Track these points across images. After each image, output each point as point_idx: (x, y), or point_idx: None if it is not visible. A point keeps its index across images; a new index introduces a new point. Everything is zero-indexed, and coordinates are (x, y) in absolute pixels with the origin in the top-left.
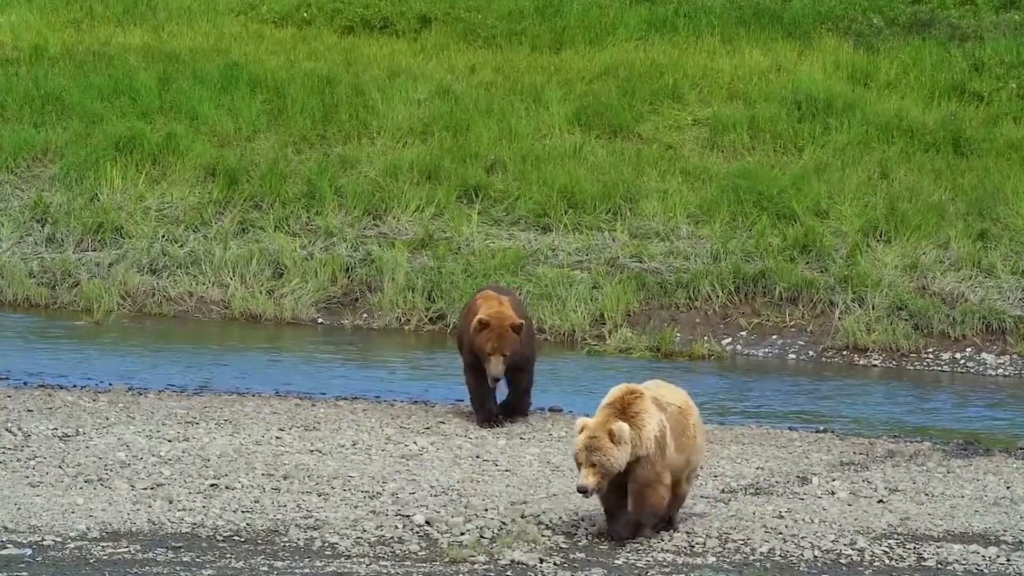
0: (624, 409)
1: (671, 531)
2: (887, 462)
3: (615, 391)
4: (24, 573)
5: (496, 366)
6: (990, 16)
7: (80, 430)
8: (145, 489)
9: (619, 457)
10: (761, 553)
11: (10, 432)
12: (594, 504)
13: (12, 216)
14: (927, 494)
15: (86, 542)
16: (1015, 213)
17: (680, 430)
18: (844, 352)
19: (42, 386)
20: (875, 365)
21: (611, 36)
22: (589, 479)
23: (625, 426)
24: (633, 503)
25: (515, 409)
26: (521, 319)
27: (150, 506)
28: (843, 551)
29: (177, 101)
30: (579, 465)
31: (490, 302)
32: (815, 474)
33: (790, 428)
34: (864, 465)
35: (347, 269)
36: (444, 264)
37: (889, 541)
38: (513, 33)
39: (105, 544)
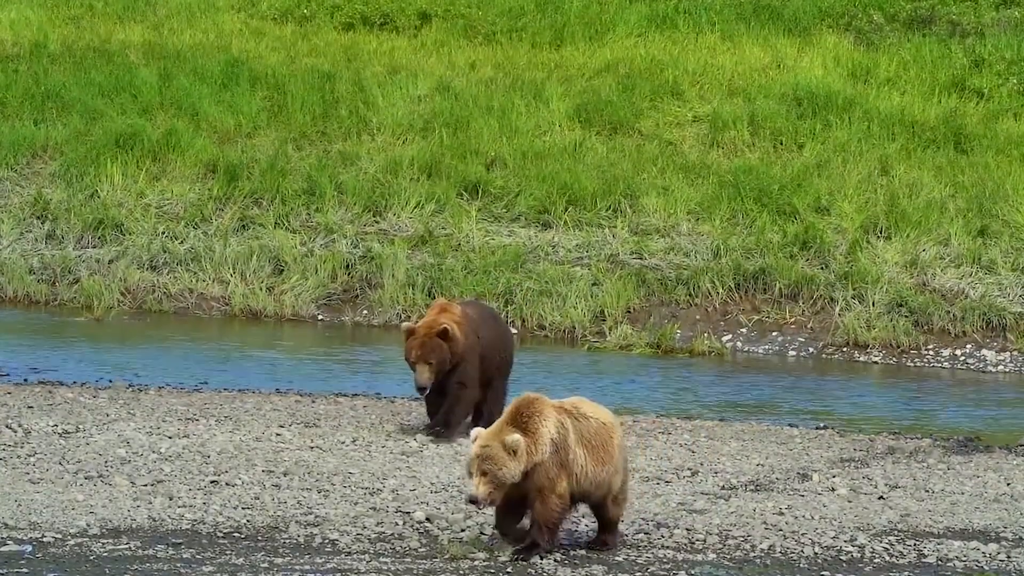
0: (519, 418)
1: (609, 551)
2: (887, 459)
3: (514, 400)
4: (24, 570)
5: (421, 374)
6: (990, 12)
7: (80, 427)
8: (145, 486)
9: (512, 468)
10: (761, 550)
11: (10, 429)
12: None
13: (12, 213)
14: (927, 491)
15: (86, 539)
16: (1015, 209)
17: (600, 443)
18: (844, 349)
19: (42, 383)
20: (875, 362)
21: (611, 33)
22: (480, 489)
23: (519, 437)
24: (531, 515)
25: (441, 421)
26: (463, 326)
27: (150, 503)
28: (843, 548)
29: (177, 98)
30: (470, 475)
31: (431, 311)
32: (815, 471)
33: (790, 425)
34: (864, 462)
35: (347, 266)
36: (444, 261)
37: (889, 538)
38: (513, 29)
39: (105, 541)
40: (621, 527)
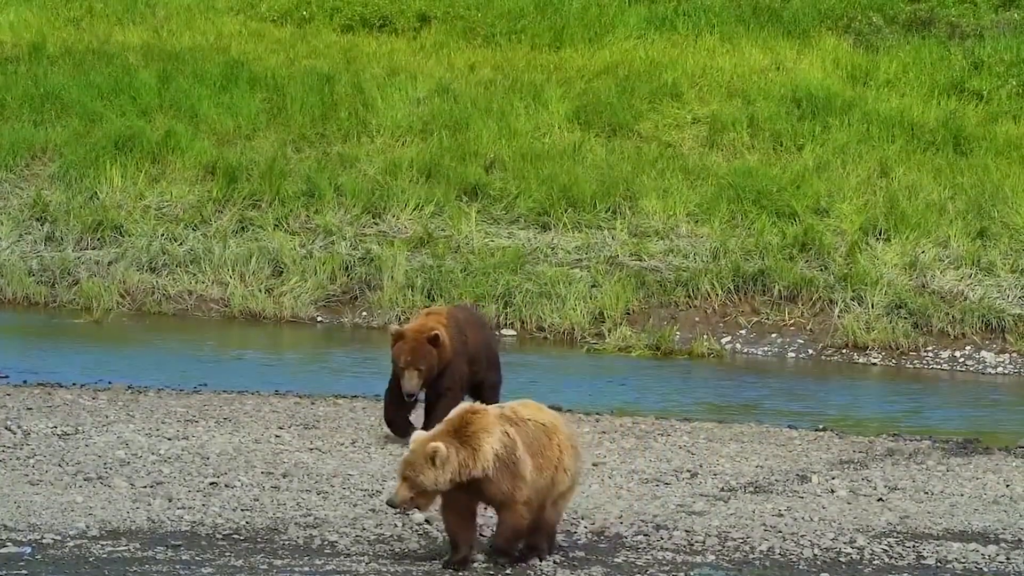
0: (460, 428)
1: (543, 558)
2: (886, 460)
3: (457, 410)
4: (24, 571)
5: (410, 380)
6: (989, 15)
7: (79, 428)
8: (144, 487)
9: (432, 477)
10: (760, 551)
11: (9, 430)
12: (594, 503)
13: (11, 215)
14: (926, 492)
15: (85, 540)
16: (1014, 211)
17: (539, 448)
18: (843, 350)
19: (41, 384)
20: (874, 363)
21: (610, 34)
22: (398, 493)
23: (441, 446)
24: (496, 526)
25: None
26: (450, 329)
27: (149, 504)
28: (842, 549)
29: (177, 99)
30: (397, 477)
31: (419, 316)
32: (815, 472)
33: (789, 426)
34: (863, 463)
35: (346, 267)
36: (443, 262)
37: (888, 539)
38: (512, 31)
39: (104, 542)
40: (620, 528)
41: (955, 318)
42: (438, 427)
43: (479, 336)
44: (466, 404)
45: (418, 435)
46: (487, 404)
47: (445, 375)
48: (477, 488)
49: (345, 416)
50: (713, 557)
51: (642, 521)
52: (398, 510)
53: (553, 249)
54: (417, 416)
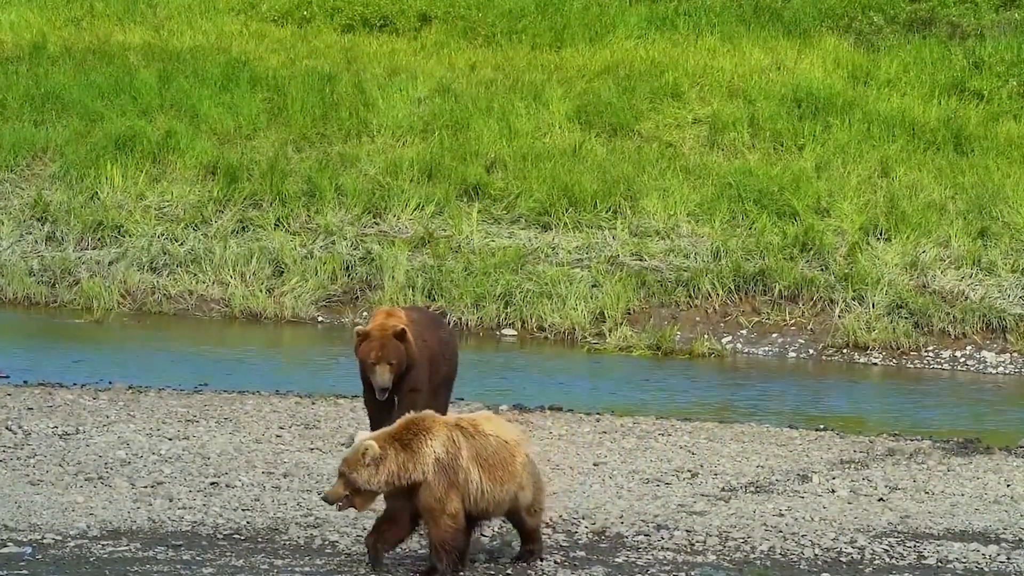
0: (405, 432)
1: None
2: (887, 460)
3: (404, 416)
4: (24, 571)
5: (382, 375)
6: (990, 14)
7: (80, 428)
8: (145, 487)
9: (366, 476)
10: (761, 551)
11: (10, 430)
12: (595, 503)
13: (12, 214)
14: (927, 492)
15: (86, 540)
16: (1015, 211)
17: (500, 462)
18: (844, 350)
19: (42, 384)
20: (875, 363)
21: (611, 34)
22: (333, 490)
23: (374, 445)
24: (428, 538)
25: None
26: (410, 330)
27: (150, 504)
28: (843, 549)
29: (177, 99)
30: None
31: (378, 317)
32: (815, 472)
33: (790, 426)
34: (864, 463)
35: (347, 267)
36: (444, 262)
37: (889, 539)
38: (513, 31)
39: (105, 542)
40: (621, 528)
41: (956, 318)
42: (384, 429)
43: (436, 336)
44: (415, 412)
45: (361, 435)
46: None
47: (409, 376)
48: (415, 496)
49: (346, 416)
50: (714, 557)
51: (643, 521)
52: (335, 507)
53: (554, 249)
54: None
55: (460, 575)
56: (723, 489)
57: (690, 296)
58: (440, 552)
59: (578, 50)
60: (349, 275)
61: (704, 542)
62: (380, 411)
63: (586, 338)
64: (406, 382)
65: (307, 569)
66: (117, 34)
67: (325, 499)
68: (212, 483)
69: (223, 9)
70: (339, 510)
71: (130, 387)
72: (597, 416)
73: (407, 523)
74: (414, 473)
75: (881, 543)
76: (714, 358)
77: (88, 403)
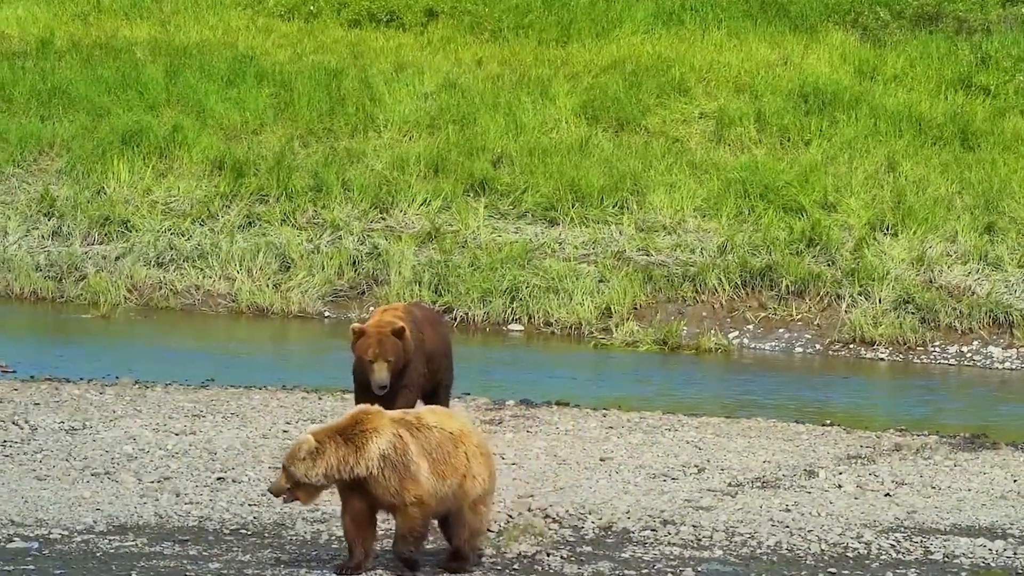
0: (349, 427)
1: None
2: (894, 455)
3: (351, 411)
4: (31, 566)
5: (380, 372)
6: (997, 9)
7: (87, 423)
8: (152, 482)
9: (303, 469)
10: (768, 546)
11: (17, 425)
12: (602, 498)
13: (19, 209)
14: (934, 487)
15: (93, 535)
16: (1022, 206)
17: (443, 455)
18: (851, 345)
19: (49, 379)
20: (882, 358)
21: (618, 29)
22: (277, 483)
23: (309, 438)
24: (395, 530)
25: None
26: (409, 326)
27: (157, 499)
28: (850, 544)
29: (184, 94)
30: None
31: (376, 313)
32: (822, 467)
33: (797, 422)
34: (871, 458)
35: (354, 262)
36: (451, 257)
37: (896, 534)
38: (520, 26)
39: (112, 537)
40: (627, 523)
41: (962, 313)
42: (330, 423)
43: (435, 334)
44: (362, 406)
45: (310, 428)
46: (439, 405)
47: (403, 373)
48: (367, 491)
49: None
50: (720, 552)
51: (649, 516)
52: (279, 499)
53: (560, 244)
54: None
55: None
56: (730, 484)
57: (697, 291)
58: (407, 542)
59: (585, 45)
60: (356, 270)
61: (711, 537)
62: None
63: (593, 333)
64: (398, 380)
65: (314, 564)
66: (124, 29)
67: (270, 491)
68: (219, 478)
69: (230, 4)
70: (284, 503)
71: (137, 382)
72: (604, 411)
73: (372, 521)
74: (356, 468)
75: (888, 538)
76: (721, 353)
77: (95, 398)
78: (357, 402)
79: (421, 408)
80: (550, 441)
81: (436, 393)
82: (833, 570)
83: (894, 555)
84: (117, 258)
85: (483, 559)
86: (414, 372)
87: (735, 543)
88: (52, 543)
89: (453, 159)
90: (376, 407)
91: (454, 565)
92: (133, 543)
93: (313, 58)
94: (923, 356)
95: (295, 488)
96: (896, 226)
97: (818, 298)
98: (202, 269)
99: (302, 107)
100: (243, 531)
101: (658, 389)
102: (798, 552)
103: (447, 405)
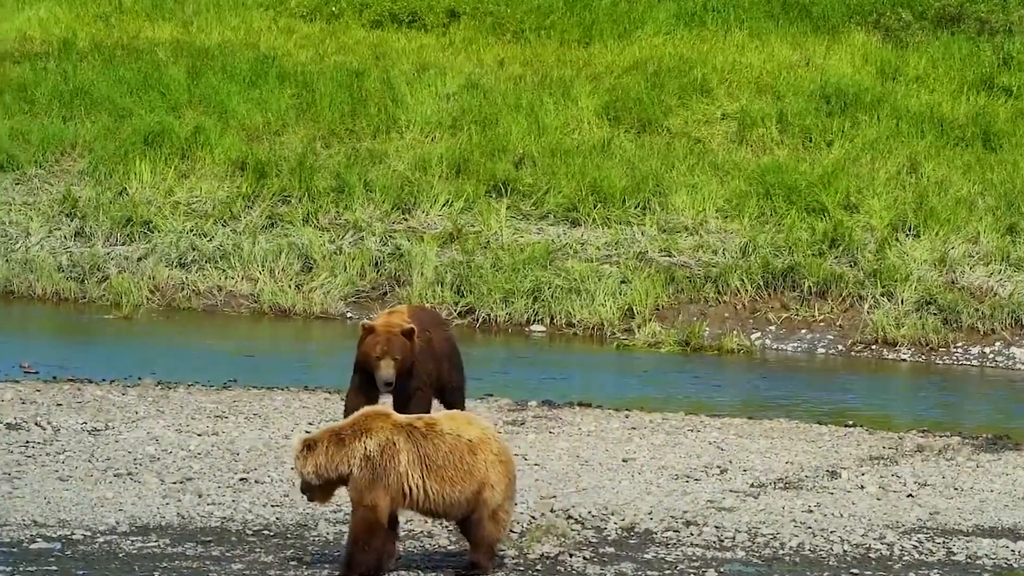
0: (348, 427)
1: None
2: (916, 456)
3: (360, 411)
4: (54, 567)
5: (387, 370)
6: (1019, 10)
7: (109, 424)
8: (174, 483)
9: (298, 465)
10: (790, 547)
11: (40, 426)
12: (624, 499)
13: (41, 210)
14: (956, 488)
15: (115, 536)
16: None
17: (453, 462)
18: (873, 346)
19: (71, 380)
20: (904, 359)
21: (640, 30)
22: (297, 483)
23: (295, 438)
24: None
25: None
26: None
27: (179, 500)
28: (872, 545)
29: (206, 95)
30: None
31: (383, 315)
32: (844, 468)
33: (819, 423)
34: (893, 459)
35: (376, 263)
36: (473, 258)
37: (918, 535)
38: (542, 27)
39: (134, 538)
40: (650, 524)
41: (985, 314)
42: (337, 422)
43: (442, 336)
44: (370, 407)
45: (323, 427)
46: (451, 408)
47: (412, 376)
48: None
49: None
50: (743, 553)
51: (672, 517)
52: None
53: (583, 245)
54: None
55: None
56: (752, 485)
57: (719, 292)
58: (352, 545)
59: (607, 46)
60: (378, 271)
61: (733, 538)
62: (357, 402)
63: (615, 334)
64: (409, 383)
65: (336, 565)
66: (146, 30)
67: (299, 489)
68: (241, 479)
69: (252, 5)
70: (309, 502)
71: (159, 383)
72: (626, 412)
73: (391, 522)
74: (341, 466)
75: (910, 539)
76: (743, 354)
77: (117, 399)
78: (347, 401)
79: (441, 413)
80: (572, 442)
81: (443, 396)
82: (856, 571)
83: (916, 556)
84: (139, 259)
85: (505, 560)
86: (423, 374)
87: (758, 544)
88: (75, 544)
89: (475, 160)
90: (384, 409)
91: (472, 574)
92: (156, 544)
93: (335, 59)
94: (945, 357)
95: (304, 487)
96: (918, 227)
97: (840, 299)
98: (224, 270)
99: (324, 108)
100: (265, 532)
101: (680, 390)
102: (820, 553)
103: (462, 407)
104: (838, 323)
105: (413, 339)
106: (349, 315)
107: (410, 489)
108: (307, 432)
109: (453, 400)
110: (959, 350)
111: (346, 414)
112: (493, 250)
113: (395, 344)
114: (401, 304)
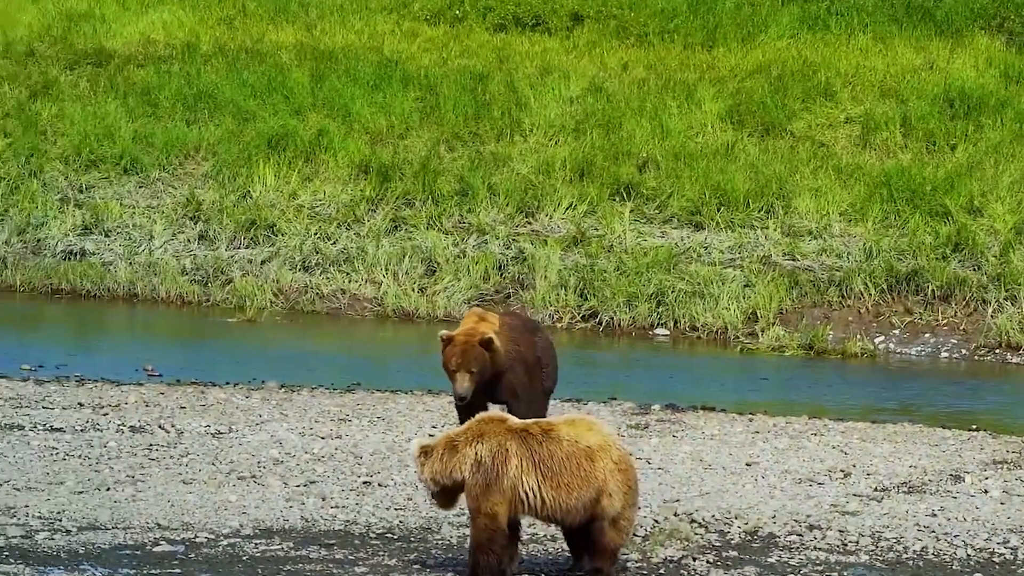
0: (462, 434)
1: None
2: None
3: (478, 415)
4: (177, 570)
5: (461, 383)
6: None
7: (233, 427)
8: (298, 486)
9: (419, 472)
10: (914, 552)
11: (163, 429)
12: (748, 503)
13: (165, 213)
14: None
15: (239, 539)
16: None
17: (571, 468)
18: (997, 350)
19: (195, 383)
20: None
21: (763, 34)
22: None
23: (412, 443)
24: None
25: None
26: (502, 336)
27: (303, 503)
28: (996, 550)
29: (329, 98)
30: None
31: (468, 320)
32: (968, 472)
33: (942, 426)
34: (1017, 463)
35: (499, 267)
36: (596, 262)
37: None
38: (665, 31)
39: (258, 541)
40: (773, 528)
41: None
42: (454, 429)
43: (531, 341)
44: (485, 413)
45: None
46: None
47: (503, 384)
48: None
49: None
50: (867, 557)
51: (795, 521)
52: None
53: (706, 248)
54: None
55: None
56: (876, 489)
57: (842, 296)
58: (475, 552)
59: (730, 49)
60: (501, 274)
61: (857, 542)
62: (465, 416)
63: (739, 338)
64: (500, 391)
65: (460, 568)
66: (270, 33)
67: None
68: (365, 482)
69: (375, 8)
70: (438, 508)
71: (282, 386)
72: (750, 416)
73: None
74: (455, 472)
75: None
76: (866, 358)
77: (240, 402)
78: (458, 409)
79: (562, 418)
80: (696, 446)
81: (534, 400)
82: (979, 575)
83: None
84: (263, 262)
85: (628, 564)
86: (516, 381)
87: (881, 548)
88: (198, 547)
89: (598, 163)
90: (500, 414)
91: None
92: (279, 547)
93: (458, 62)
94: None
95: (428, 493)
96: None
97: (964, 303)
98: (348, 273)
99: (447, 111)
100: (389, 535)
101: (804, 394)
102: (944, 557)
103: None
104: (961, 327)
105: (491, 348)
106: None
107: (525, 495)
108: (429, 436)
109: (536, 407)
110: None
111: (460, 421)
112: (616, 253)
113: (471, 356)
114: (513, 308)
